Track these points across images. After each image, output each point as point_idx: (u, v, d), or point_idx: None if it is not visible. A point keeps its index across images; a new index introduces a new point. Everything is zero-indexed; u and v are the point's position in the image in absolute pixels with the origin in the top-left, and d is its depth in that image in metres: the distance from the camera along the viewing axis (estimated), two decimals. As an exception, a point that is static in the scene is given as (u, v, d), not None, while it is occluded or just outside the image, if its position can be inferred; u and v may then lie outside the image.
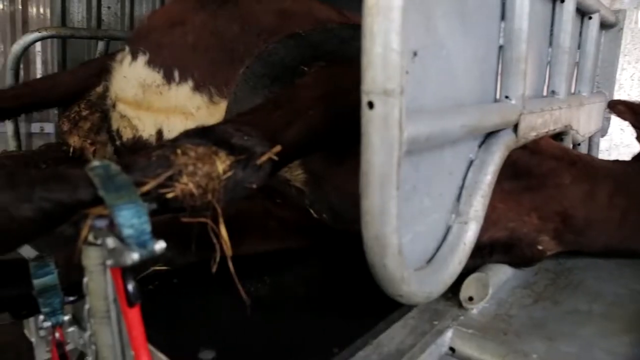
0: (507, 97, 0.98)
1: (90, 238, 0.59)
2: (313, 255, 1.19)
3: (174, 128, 1.36)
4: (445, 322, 0.96)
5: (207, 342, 0.80)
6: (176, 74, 1.37)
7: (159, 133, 1.41)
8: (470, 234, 0.91)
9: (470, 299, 1.00)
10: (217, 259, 0.67)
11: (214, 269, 0.67)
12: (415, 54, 0.72)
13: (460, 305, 1.01)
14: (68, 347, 0.93)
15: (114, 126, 1.63)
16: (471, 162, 0.95)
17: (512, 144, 0.99)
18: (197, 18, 1.45)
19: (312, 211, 1.11)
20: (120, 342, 0.69)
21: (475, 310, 1.00)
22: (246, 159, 0.68)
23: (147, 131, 1.45)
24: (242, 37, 1.33)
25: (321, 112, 0.84)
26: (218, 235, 0.66)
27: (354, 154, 0.90)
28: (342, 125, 0.86)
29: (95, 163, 0.59)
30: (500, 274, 1.10)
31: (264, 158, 0.70)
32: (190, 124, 1.30)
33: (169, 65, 1.39)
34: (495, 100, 0.98)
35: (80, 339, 1.02)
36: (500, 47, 0.98)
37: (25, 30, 3.72)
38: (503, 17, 0.97)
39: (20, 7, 3.81)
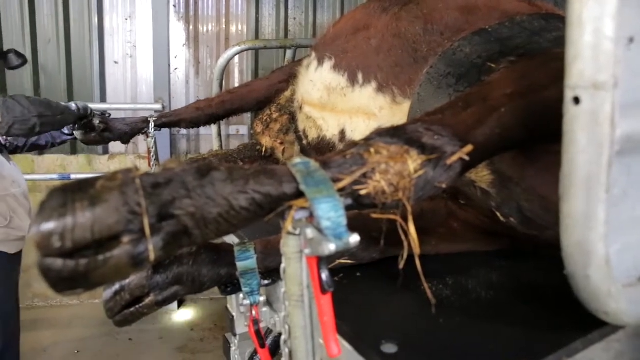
0: None
1: (289, 228, 0.65)
2: (498, 260, 1.13)
3: (356, 128, 1.42)
4: (662, 352, 0.82)
5: (389, 336, 0.81)
6: (360, 77, 1.42)
7: (342, 133, 1.48)
8: (699, 250, 0.77)
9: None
10: (405, 256, 0.67)
11: (401, 266, 0.68)
12: (631, 40, 0.63)
13: (684, 335, 0.85)
14: (261, 325, 1.04)
15: (301, 127, 1.76)
16: (701, 166, 0.80)
17: None
18: (380, 22, 1.49)
19: (498, 214, 1.06)
20: (311, 325, 0.74)
21: None
22: (437, 158, 0.68)
23: (331, 131, 1.54)
24: (425, 36, 1.32)
25: (514, 110, 0.79)
26: (406, 233, 0.67)
27: (550, 153, 0.83)
28: (537, 123, 0.80)
29: (297, 160, 0.65)
30: None
31: (455, 158, 0.69)
32: (373, 124, 1.34)
33: (353, 69, 1.45)
34: None
35: (272, 319, 1.13)
36: None
37: (227, 45, 4.26)
38: None
39: (224, 26, 4.38)
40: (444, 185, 0.70)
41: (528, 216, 1.00)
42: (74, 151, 4.16)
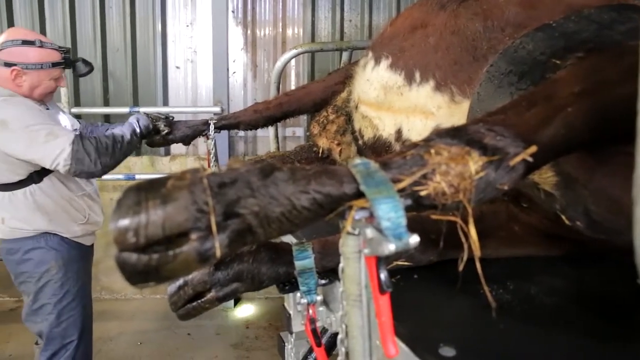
0: None
1: (349, 228, 0.65)
2: (562, 265, 1.09)
3: (413, 127, 1.41)
4: None
5: (447, 339, 0.80)
6: (417, 75, 1.41)
7: (398, 132, 1.47)
8: None
9: None
10: (465, 258, 0.67)
11: (461, 268, 0.67)
12: None
13: None
14: (317, 324, 1.05)
15: (356, 126, 1.76)
16: None
17: None
18: (438, 19, 1.47)
19: (563, 217, 1.02)
20: (368, 325, 0.74)
21: None
22: (499, 159, 0.67)
23: (387, 130, 1.53)
24: (485, 33, 1.29)
25: (581, 109, 0.76)
26: (466, 235, 0.66)
27: (621, 154, 0.79)
28: (608, 123, 0.77)
29: (357, 161, 0.66)
30: None
31: (518, 159, 0.67)
32: (430, 124, 1.33)
33: (411, 67, 1.44)
34: None
35: (328, 319, 1.14)
36: None
37: (284, 49, 4.33)
38: None
39: (280, 30, 4.45)
40: (506, 187, 0.68)
41: (596, 220, 0.96)
42: (137, 152, 4.37)
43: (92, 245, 2.45)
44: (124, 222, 0.56)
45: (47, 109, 2.22)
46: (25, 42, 2.07)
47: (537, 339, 0.83)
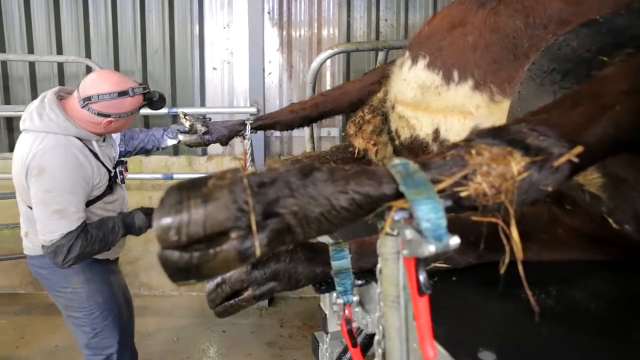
0: None
1: (388, 229, 0.65)
2: (609, 270, 1.05)
3: (451, 127, 1.38)
4: None
5: (487, 344, 0.79)
6: (455, 75, 1.38)
7: (436, 132, 1.45)
8: None
9: None
10: (506, 261, 0.65)
11: (502, 271, 0.65)
12: None
13: None
14: (353, 325, 1.05)
15: (393, 127, 1.75)
16: None
17: None
18: (477, 17, 1.44)
19: (610, 220, 0.98)
20: (406, 326, 0.74)
21: None
22: (543, 160, 0.65)
23: (424, 130, 1.52)
24: (526, 31, 1.26)
25: (631, 107, 0.73)
26: (508, 237, 0.64)
27: (674, 155, 0.76)
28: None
29: (396, 161, 0.65)
30: None
31: (563, 159, 0.65)
32: (469, 124, 1.31)
33: (449, 66, 1.42)
34: None
35: (363, 320, 1.13)
36: None
37: (319, 49, 4.34)
38: None
39: (316, 30, 4.47)
40: (549, 189, 0.66)
41: (646, 223, 0.92)
42: (176, 153, 4.47)
43: (117, 257, 2.48)
44: (167, 220, 0.57)
45: (104, 140, 2.27)
46: (121, 94, 2.11)
47: (580, 346, 0.80)
